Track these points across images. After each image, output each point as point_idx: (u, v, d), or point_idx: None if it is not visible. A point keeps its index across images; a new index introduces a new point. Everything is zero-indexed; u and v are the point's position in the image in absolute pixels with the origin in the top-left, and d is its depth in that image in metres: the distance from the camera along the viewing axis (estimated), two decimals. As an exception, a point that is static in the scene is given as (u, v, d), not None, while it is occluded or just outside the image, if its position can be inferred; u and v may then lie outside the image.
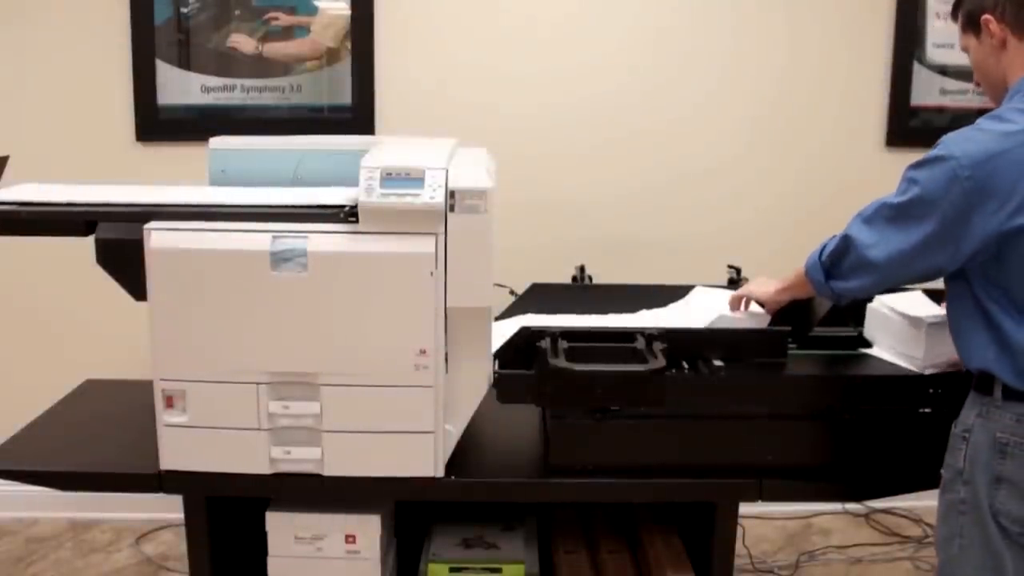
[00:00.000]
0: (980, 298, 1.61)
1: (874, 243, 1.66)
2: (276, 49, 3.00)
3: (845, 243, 1.71)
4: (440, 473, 1.86)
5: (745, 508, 1.97)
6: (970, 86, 3.00)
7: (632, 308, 2.21)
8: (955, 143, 1.57)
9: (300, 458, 1.85)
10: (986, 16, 1.65)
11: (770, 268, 2.08)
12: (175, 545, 2.97)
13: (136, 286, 1.83)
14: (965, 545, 1.63)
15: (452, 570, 2.02)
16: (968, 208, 1.54)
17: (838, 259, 1.74)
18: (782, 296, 1.97)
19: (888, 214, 1.64)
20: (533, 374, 1.83)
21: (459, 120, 2.94)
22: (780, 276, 1.97)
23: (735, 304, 2.04)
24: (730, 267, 2.32)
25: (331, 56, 3.01)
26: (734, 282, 2.29)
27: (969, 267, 1.61)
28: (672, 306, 2.20)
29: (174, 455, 1.86)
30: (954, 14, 1.77)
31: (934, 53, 3.09)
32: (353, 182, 1.79)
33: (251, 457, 1.85)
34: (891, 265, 1.65)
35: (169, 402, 1.83)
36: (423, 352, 1.80)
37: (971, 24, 1.70)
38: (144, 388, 1.88)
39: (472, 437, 1.96)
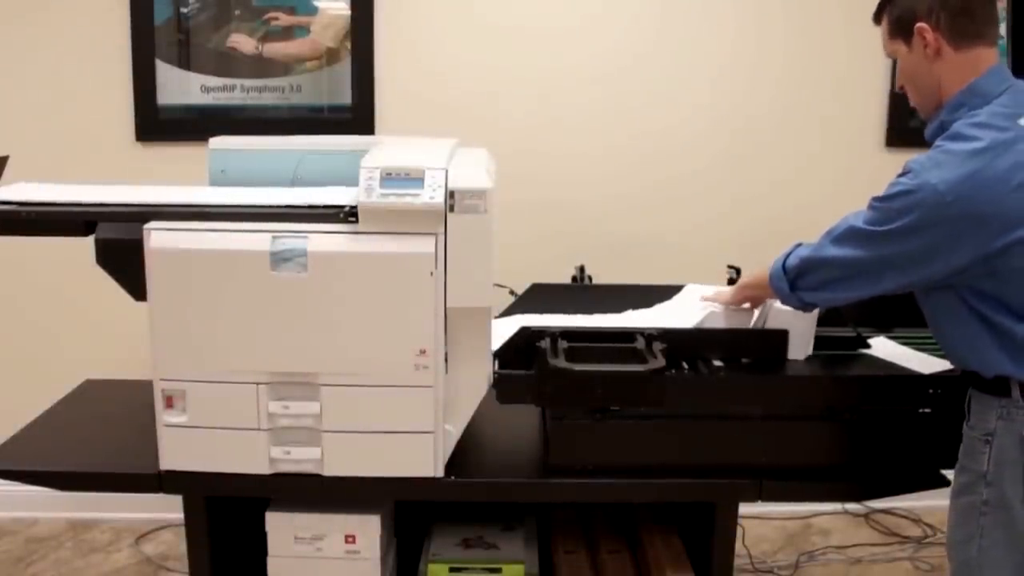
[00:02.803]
0: (977, 308, 1.61)
1: (845, 268, 1.67)
2: (276, 49, 3.00)
3: (816, 261, 1.72)
4: (440, 473, 1.86)
5: (745, 508, 1.97)
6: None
7: (632, 308, 2.21)
8: (926, 170, 1.55)
9: (300, 458, 1.85)
10: (920, 24, 1.63)
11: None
12: (175, 545, 2.97)
13: (136, 286, 1.83)
14: (986, 546, 1.63)
15: (452, 570, 2.02)
16: (955, 232, 1.53)
17: (806, 272, 1.75)
18: (740, 294, 1.98)
19: (864, 241, 1.63)
20: (533, 374, 1.83)
21: (459, 120, 2.94)
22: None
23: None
24: (730, 267, 2.31)
25: (331, 56, 3.01)
26: (733, 282, 2.29)
27: (956, 282, 1.60)
28: (659, 306, 2.20)
29: (174, 455, 1.86)
30: (877, 18, 1.73)
31: (934, 53, 3.09)
32: (353, 182, 1.79)
33: (251, 457, 1.85)
34: (863, 283, 1.66)
35: (169, 402, 1.83)
36: (423, 352, 1.80)
37: (901, 30, 1.67)
38: (144, 388, 1.88)
39: (472, 437, 1.96)
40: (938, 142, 1.61)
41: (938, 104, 1.67)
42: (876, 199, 1.62)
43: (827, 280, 1.72)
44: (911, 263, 1.59)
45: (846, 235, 1.67)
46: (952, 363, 1.77)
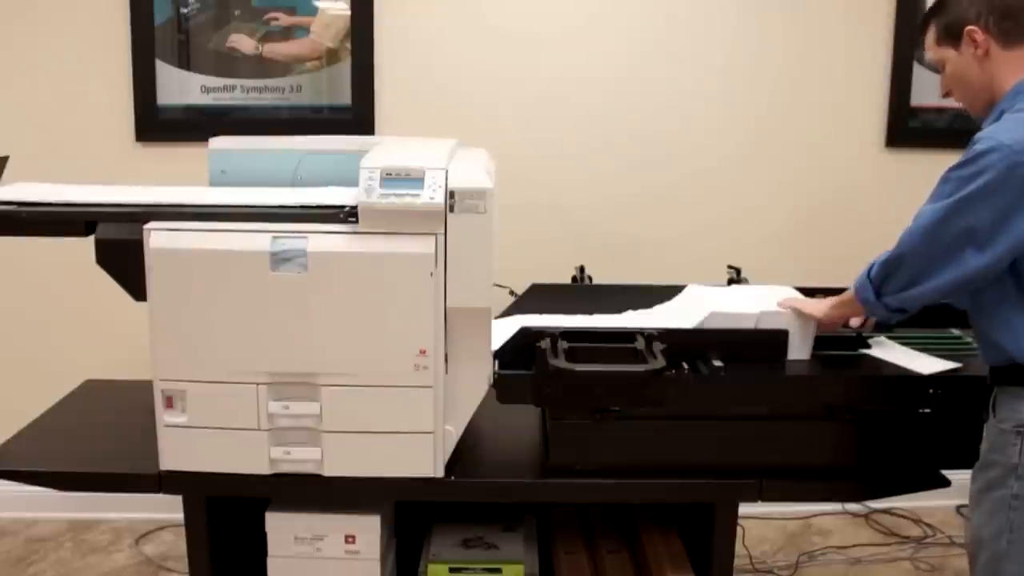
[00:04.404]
0: None
1: (929, 249, 1.66)
2: (276, 49, 3.00)
3: (898, 257, 1.71)
4: (440, 473, 1.86)
5: (745, 508, 1.97)
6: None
7: (632, 308, 2.21)
8: (999, 134, 1.61)
9: (300, 458, 1.85)
10: (970, 27, 1.72)
11: (770, 268, 2.09)
12: (175, 545, 2.97)
13: (136, 286, 1.83)
14: (1015, 540, 1.64)
15: (452, 570, 2.02)
16: None
17: (890, 274, 1.73)
18: (835, 312, 1.91)
19: (942, 216, 1.64)
20: (533, 374, 1.83)
21: (459, 120, 2.94)
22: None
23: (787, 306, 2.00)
24: (730, 267, 2.32)
25: (331, 56, 3.01)
26: (734, 282, 2.29)
27: (1021, 254, 1.62)
28: (659, 306, 2.20)
29: (174, 455, 1.86)
30: (923, 29, 1.82)
31: (934, 53, 3.09)
32: (353, 182, 1.79)
33: (251, 457, 1.85)
34: (948, 267, 1.65)
35: (169, 402, 1.83)
36: (423, 352, 1.80)
37: (949, 37, 1.76)
38: (144, 388, 1.88)
39: (472, 437, 1.96)
40: (1004, 116, 1.67)
41: (990, 101, 1.75)
42: (950, 169, 1.66)
43: (911, 276, 1.70)
44: (989, 236, 1.60)
45: (922, 219, 1.68)
46: (987, 357, 1.74)
